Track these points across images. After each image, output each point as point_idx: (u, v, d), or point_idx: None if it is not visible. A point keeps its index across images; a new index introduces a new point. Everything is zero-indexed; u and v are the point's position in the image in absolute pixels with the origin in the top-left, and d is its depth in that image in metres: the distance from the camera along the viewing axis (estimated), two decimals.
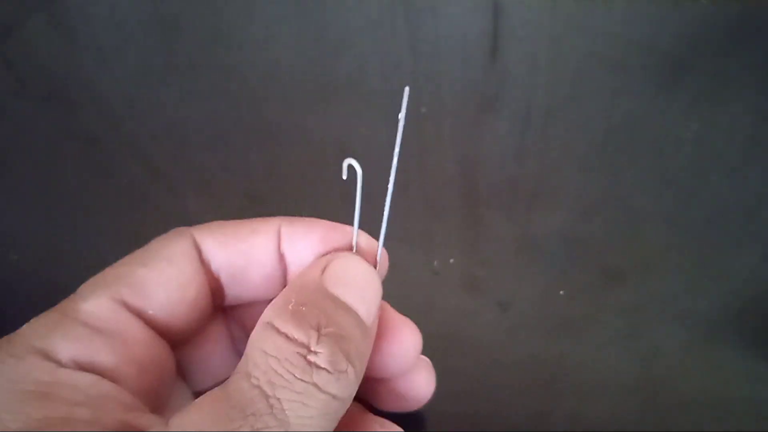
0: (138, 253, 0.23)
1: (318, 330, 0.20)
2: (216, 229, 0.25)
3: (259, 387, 0.19)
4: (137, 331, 0.22)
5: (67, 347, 0.20)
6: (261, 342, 0.20)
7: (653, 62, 0.45)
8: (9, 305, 0.36)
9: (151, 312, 0.23)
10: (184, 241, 0.24)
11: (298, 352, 0.20)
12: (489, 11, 0.47)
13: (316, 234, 0.25)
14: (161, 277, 0.23)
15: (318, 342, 0.20)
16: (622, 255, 0.37)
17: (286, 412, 0.19)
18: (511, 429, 0.31)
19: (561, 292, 0.36)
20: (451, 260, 0.37)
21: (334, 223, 0.25)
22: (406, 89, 0.21)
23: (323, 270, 0.22)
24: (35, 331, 0.20)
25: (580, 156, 0.41)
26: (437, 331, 0.34)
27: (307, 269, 0.23)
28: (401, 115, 0.22)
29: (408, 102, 0.21)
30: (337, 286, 0.22)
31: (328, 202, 0.39)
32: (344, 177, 0.23)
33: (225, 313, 0.27)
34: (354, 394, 0.21)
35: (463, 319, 0.35)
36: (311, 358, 0.20)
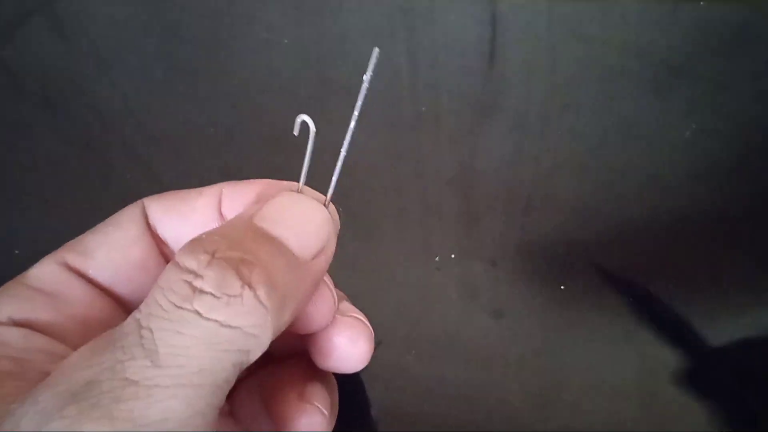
0: (94, 227, 0.24)
1: (212, 255, 0.18)
2: (165, 196, 0.25)
3: (137, 320, 0.17)
4: (79, 290, 0.22)
5: (7, 305, 0.21)
6: (161, 275, 0.18)
7: (649, 69, 0.45)
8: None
9: (91, 272, 0.23)
10: (133, 208, 0.24)
11: (183, 279, 0.18)
12: (487, 19, 0.47)
13: (254, 190, 0.23)
14: (104, 239, 0.23)
15: (207, 266, 0.18)
16: (619, 258, 0.37)
17: (156, 341, 0.17)
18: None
19: (560, 291, 0.36)
20: (452, 255, 0.37)
21: (276, 180, 0.24)
22: (375, 50, 0.21)
23: (259, 208, 0.21)
24: None
25: (576, 161, 0.42)
26: (432, 333, 0.34)
27: (246, 208, 0.22)
28: (366, 76, 0.21)
29: (375, 65, 0.21)
30: (267, 220, 0.20)
31: None
32: (295, 133, 0.22)
33: None
34: (270, 326, 0.18)
35: (459, 323, 0.35)
36: (197, 283, 0.17)
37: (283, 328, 0.20)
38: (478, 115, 0.44)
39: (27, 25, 0.49)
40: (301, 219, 0.21)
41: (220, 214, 0.24)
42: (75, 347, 0.20)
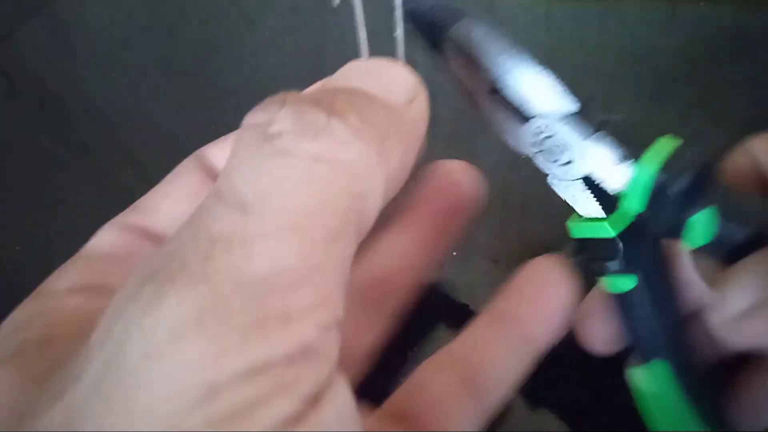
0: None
1: (281, 103, 0.16)
2: (222, 139, 0.22)
3: (212, 191, 0.14)
4: (147, 248, 0.20)
5: (63, 279, 0.18)
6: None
7: (646, 74, 0.45)
8: (12, 293, 0.37)
9: (156, 227, 0.20)
10: (188, 161, 0.22)
11: (256, 132, 0.15)
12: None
13: None
14: (164, 194, 0.21)
15: (281, 108, 0.15)
16: None
17: (241, 191, 0.14)
18: None
19: None
20: (453, 253, 0.37)
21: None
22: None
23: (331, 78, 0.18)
24: (40, 285, 0.19)
25: None
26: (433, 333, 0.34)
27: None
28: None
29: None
30: (348, 78, 0.17)
31: None
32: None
33: None
34: (374, 168, 0.15)
35: (459, 322, 0.35)
36: (272, 128, 0.15)
37: (395, 178, 0.17)
38: (477, 119, 0.44)
39: (24, 28, 0.49)
40: (379, 71, 0.17)
41: None
42: None
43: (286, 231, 0.13)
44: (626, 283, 0.24)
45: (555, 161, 0.24)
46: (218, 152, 0.22)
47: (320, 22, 0.49)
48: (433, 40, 0.24)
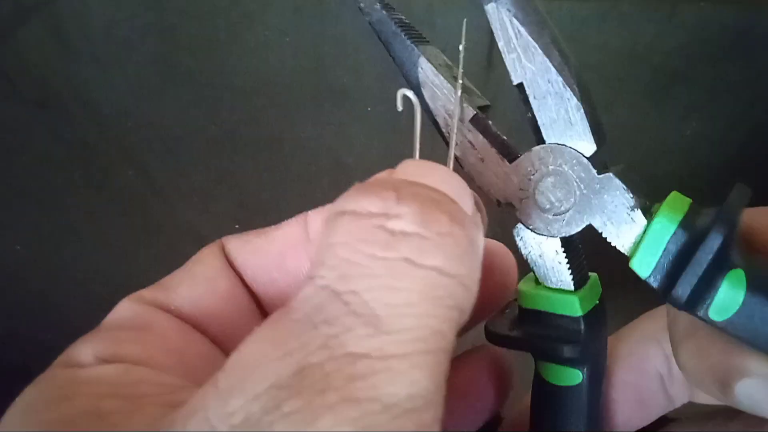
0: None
1: (396, 191, 0.15)
2: (244, 233, 0.22)
3: (327, 287, 0.14)
4: (167, 321, 0.19)
5: (88, 350, 0.18)
6: (324, 236, 0.15)
7: (647, 74, 0.45)
8: (13, 290, 0.37)
9: (174, 305, 0.20)
10: (211, 246, 0.22)
11: (373, 225, 0.14)
12: (484, 23, 0.47)
13: None
14: (184, 275, 0.21)
15: (399, 202, 0.14)
16: (615, 262, 0.37)
17: (370, 303, 0.13)
18: None
19: None
20: None
21: None
22: (465, 21, 0.20)
23: (391, 173, 0.18)
24: (61, 355, 0.18)
25: None
26: None
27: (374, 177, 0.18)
28: (461, 47, 0.20)
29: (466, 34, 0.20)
30: (414, 175, 0.16)
31: None
32: (399, 108, 0.20)
33: None
34: (477, 281, 0.15)
35: None
36: (393, 224, 0.14)
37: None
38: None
39: (24, 28, 0.49)
40: (445, 175, 0.17)
41: (308, 239, 0.21)
42: (183, 380, 0.17)
43: (422, 353, 0.13)
44: (572, 376, 0.21)
45: (548, 209, 0.20)
46: (234, 243, 0.22)
47: (320, 22, 0.49)
48: (403, 66, 0.21)
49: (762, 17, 0.45)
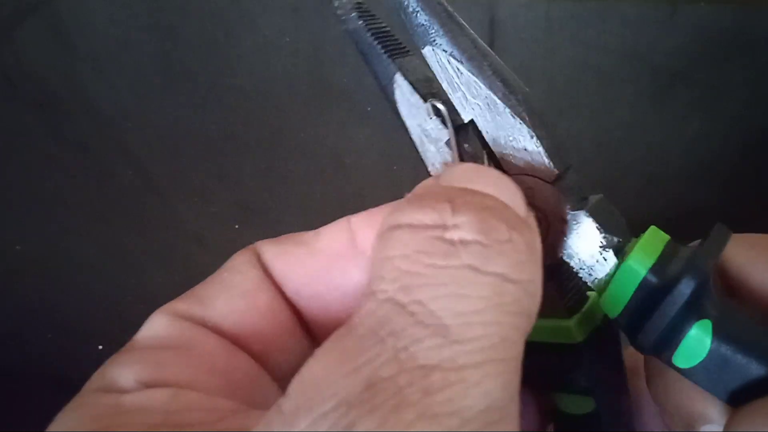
0: (204, 281, 0.20)
1: (450, 202, 0.15)
2: (280, 239, 0.21)
3: (390, 299, 0.14)
4: (208, 339, 0.18)
5: (128, 373, 0.16)
6: (380, 251, 0.15)
7: (647, 74, 0.45)
8: (13, 290, 0.37)
9: (212, 322, 0.19)
10: (246, 253, 0.20)
11: (431, 236, 0.14)
12: (485, 24, 0.47)
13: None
14: (220, 287, 0.19)
15: (455, 213, 0.14)
16: None
17: (437, 313, 0.13)
18: None
19: None
20: None
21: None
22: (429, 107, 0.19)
23: (438, 177, 0.17)
24: (92, 378, 0.17)
25: (574, 165, 0.42)
26: None
27: (420, 184, 0.18)
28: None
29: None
30: (462, 182, 0.16)
31: (322, 212, 0.39)
32: (428, 119, 0.19)
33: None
34: (540, 287, 0.15)
35: None
36: (452, 234, 0.14)
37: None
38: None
39: (24, 27, 0.49)
40: (495, 179, 0.17)
41: (355, 249, 0.20)
42: (234, 402, 0.16)
43: (494, 362, 0.13)
44: (583, 404, 0.20)
45: None
46: (271, 251, 0.20)
47: (320, 22, 0.48)
48: (380, 80, 0.20)
49: (762, 17, 0.45)
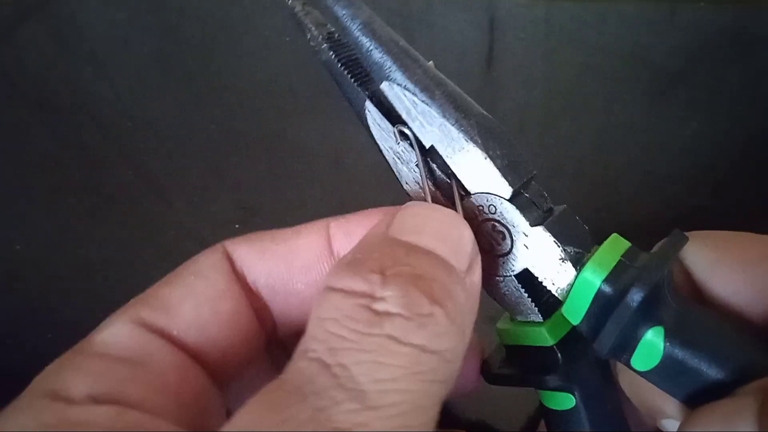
0: (166, 277, 0.20)
1: (382, 273, 0.16)
2: (252, 237, 0.21)
3: (318, 359, 0.15)
4: (166, 354, 0.18)
5: (79, 382, 0.16)
6: (316, 310, 0.16)
7: (646, 75, 0.45)
8: (13, 290, 0.37)
9: (176, 332, 0.19)
10: (214, 254, 0.20)
11: (359, 304, 0.15)
12: (485, 24, 0.47)
13: (369, 222, 0.20)
14: (186, 292, 0.19)
15: (383, 285, 0.15)
16: None
17: (358, 378, 0.14)
18: None
19: None
20: None
21: (388, 207, 0.20)
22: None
23: (388, 224, 0.18)
24: (45, 375, 0.17)
25: (574, 165, 0.42)
26: None
27: (372, 228, 0.18)
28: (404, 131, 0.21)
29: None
30: (408, 233, 0.17)
31: (319, 211, 0.39)
32: (397, 144, 0.21)
33: (285, 349, 0.23)
34: (460, 352, 0.16)
35: None
36: (377, 306, 0.15)
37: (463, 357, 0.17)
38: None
39: (24, 28, 0.49)
40: (443, 227, 0.18)
41: (331, 252, 0.21)
42: (177, 424, 0.17)
43: (406, 428, 0.14)
44: (565, 401, 0.21)
45: (490, 251, 0.20)
46: (243, 250, 0.21)
47: None
48: (354, 104, 0.21)
49: (762, 17, 0.45)
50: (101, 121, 0.44)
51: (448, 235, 0.18)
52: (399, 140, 0.20)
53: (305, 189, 0.41)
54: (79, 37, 0.49)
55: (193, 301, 0.19)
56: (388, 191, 0.40)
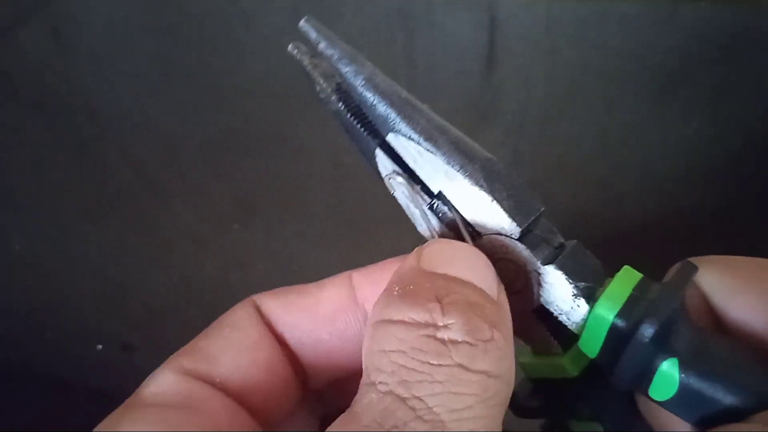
0: (204, 331, 0.21)
1: (440, 301, 0.16)
2: (278, 292, 0.22)
3: (391, 392, 0.15)
4: (214, 399, 0.19)
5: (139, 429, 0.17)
6: (376, 343, 0.16)
7: (647, 74, 0.45)
8: (13, 290, 0.37)
9: (218, 379, 0.19)
10: (246, 307, 0.21)
11: (424, 335, 0.16)
12: (485, 24, 0.47)
13: (390, 272, 0.20)
14: (224, 343, 0.20)
15: (444, 313, 0.16)
16: (618, 260, 0.37)
17: (435, 409, 0.15)
18: None
19: None
20: None
21: (407, 255, 0.21)
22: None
23: (418, 259, 0.19)
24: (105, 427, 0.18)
25: (574, 165, 0.42)
26: None
27: (402, 264, 0.19)
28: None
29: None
30: (442, 266, 0.18)
31: (319, 211, 0.39)
32: (393, 192, 0.21)
33: (320, 398, 0.24)
34: (513, 372, 0.17)
35: None
36: (442, 334, 0.16)
37: None
38: (476, 118, 0.44)
39: (23, 28, 0.49)
40: (469, 259, 0.19)
41: (355, 302, 0.21)
42: None
43: None
44: (592, 427, 0.22)
45: (506, 288, 0.20)
46: (271, 303, 0.21)
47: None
48: (365, 150, 0.22)
49: (762, 17, 0.45)
50: (101, 121, 0.44)
51: (477, 266, 0.18)
52: (409, 186, 0.21)
53: (305, 189, 0.41)
54: (78, 37, 0.49)
55: (231, 351, 0.20)
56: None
